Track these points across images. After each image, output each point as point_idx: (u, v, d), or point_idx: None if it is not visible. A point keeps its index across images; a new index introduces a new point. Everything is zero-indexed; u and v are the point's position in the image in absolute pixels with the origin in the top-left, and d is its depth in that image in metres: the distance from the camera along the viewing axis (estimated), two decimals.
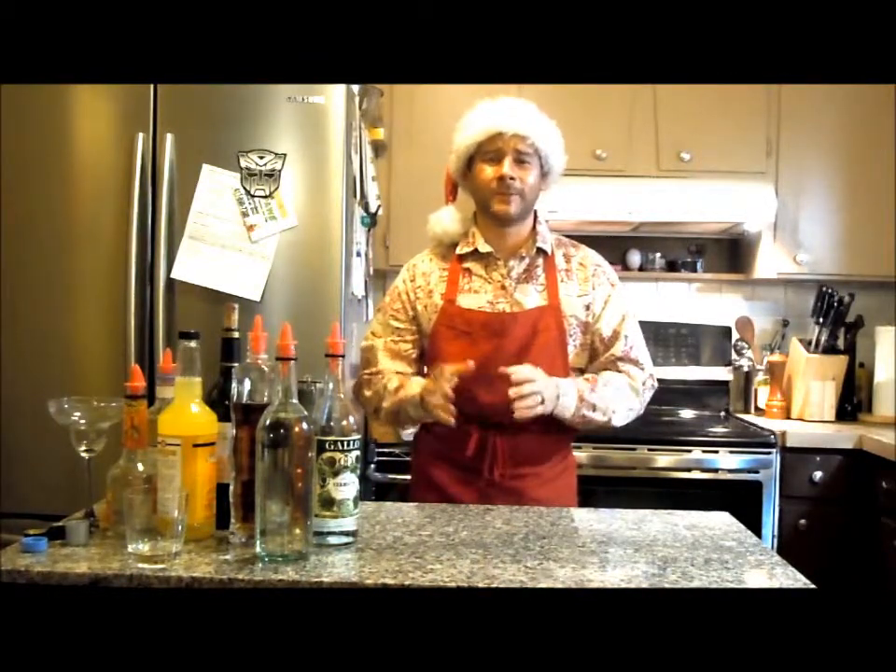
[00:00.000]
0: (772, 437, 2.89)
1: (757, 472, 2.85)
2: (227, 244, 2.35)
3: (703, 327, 3.48)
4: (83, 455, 1.48)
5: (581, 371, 1.98)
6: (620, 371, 1.95)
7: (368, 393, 1.98)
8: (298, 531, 1.33)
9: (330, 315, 2.31)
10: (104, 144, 2.37)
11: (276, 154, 2.35)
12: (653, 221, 3.31)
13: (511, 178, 1.86)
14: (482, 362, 1.88)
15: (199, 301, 2.34)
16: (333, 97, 2.36)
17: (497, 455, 1.87)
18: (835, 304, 3.24)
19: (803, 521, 2.87)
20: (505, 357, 1.88)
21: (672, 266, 3.57)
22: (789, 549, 2.74)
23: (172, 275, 2.34)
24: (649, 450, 2.85)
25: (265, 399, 1.39)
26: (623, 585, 1.27)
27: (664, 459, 2.85)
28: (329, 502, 1.39)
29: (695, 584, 1.27)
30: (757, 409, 3.46)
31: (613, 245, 3.48)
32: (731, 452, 2.86)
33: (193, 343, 1.43)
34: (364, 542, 1.43)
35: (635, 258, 3.53)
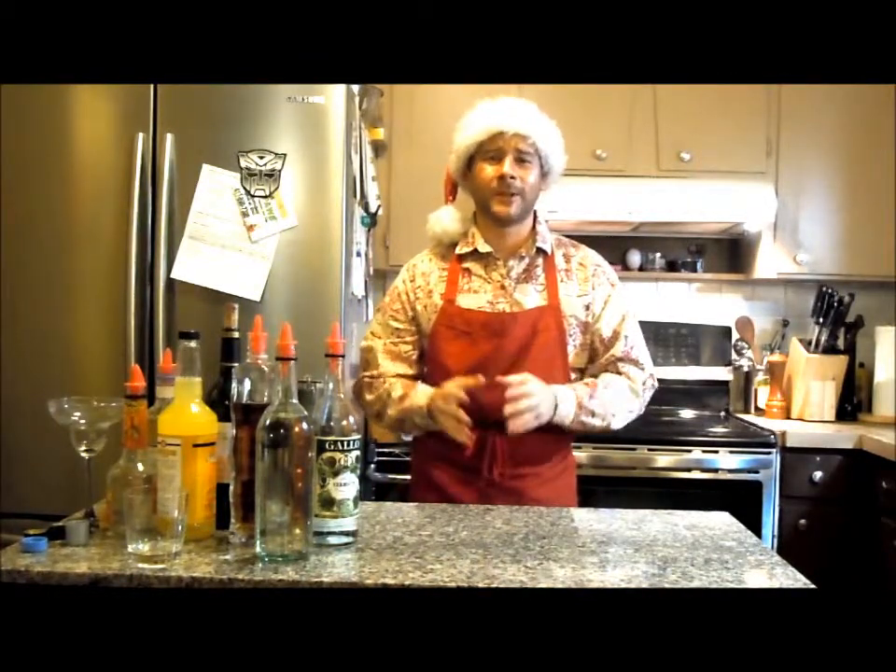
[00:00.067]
0: (772, 437, 2.89)
1: (757, 472, 2.85)
2: (227, 244, 2.35)
3: (703, 327, 3.48)
4: (83, 454, 1.48)
5: (581, 371, 1.98)
6: (620, 372, 1.95)
7: (370, 397, 1.98)
8: (298, 531, 1.33)
9: (330, 314, 2.32)
10: (104, 144, 2.37)
11: (276, 154, 2.35)
12: (653, 221, 3.31)
13: (512, 177, 1.86)
14: (481, 362, 1.88)
15: (199, 301, 2.34)
16: (333, 97, 2.36)
17: (497, 454, 1.87)
18: (835, 304, 3.24)
19: (803, 521, 2.87)
20: (505, 357, 1.88)
21: (672, 266, 3.57)
22: (789, 549, 2.74)
23: (172, 275, 2.34)
24: (649, 450, 2.85)
25: (265, 399, 1.39)
26: (623, 585, 1.27)
27: (664, 459, 2.85)
28: (328, 502, 1.39)
29: (695, 584, 1.27)
30: (757, 409, 3.46)
31: (613, 245, 3.48)
32: (731, 452, 2.86)
33: (193, 343, 1.43)
34: (364, 542, 1.43)
35: (635, 258, 3.53)
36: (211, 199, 2.35)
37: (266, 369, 1.42)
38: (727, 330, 3.49)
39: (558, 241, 2.02)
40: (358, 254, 2.60)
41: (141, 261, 2.35)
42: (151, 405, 1.49)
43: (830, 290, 3.26)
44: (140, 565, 1.27)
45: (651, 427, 2.90)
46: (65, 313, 2.39)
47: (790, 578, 1.33)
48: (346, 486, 1.40)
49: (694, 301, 3.64)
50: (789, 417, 3.29)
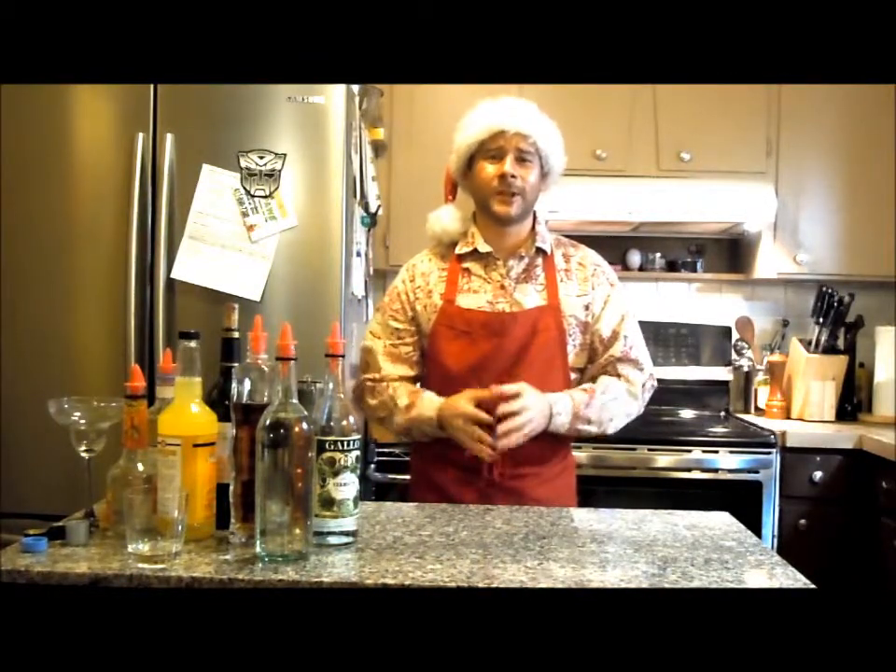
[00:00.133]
0: (772, 437, 2.89)
1: (757, 472, 2.85)
2: (227, 244, 2.35)
3: (703, 327, 3.48)
4: (83, 454, 1.48)
5: (581, 371, 1.98)
6: (619, 374, 1.95)
7: (373, 402, 1.97)
8: (298, 531, 1.33)
9: (330, 314, 2.31)
10: (104, 144, 2.37)
11: (276, 154, 2.35)
12: (653, 221, 3.31)
13: (513, 176, 1.86)
14: (481, 362, 1.89)
15: (199, 301, 2.34)
16: (333, 97, 2.36)
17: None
18: (835, 304, 3.24)
19: (803, 521, 2.87)
20: (504, 356, 1.88)
21: (672, 266, 3.57)
22: (789, 549, 2.74)
23: (172, 275, 2.34)
24: (649, 450, 2.85)
25: (265, 399, 1.39)
26: (623, 585, 1.27)
27: (664, 459, 2.85)
28: (328, 502, 1.39)
29: (695, 584, 1.27)
30: (757, 409, 3.46)
31: (613, 245, 3.48)
32: (731, 452, 2.86)
33: (193, 343, 1.43)
34: (364, 542, 1.43)
35: (635, 258, 3.53)
36: (211, 199, 2.35)
37: (266, 369, 1.42)
38: (727, 330, 3.49)
39: (557, 241, 2.02)
40: (358, 254, 2.60)
41: (141, 261, 2.35)
42: (151, 405, 1.49)
43: (830, 290, 3.26)
44: (140, 565, 1.27)
45: (651, 427, 2.90)
46: (65, 313, 2.39)
47: (790, 578, 1.33)
48: (346, 486, 1.40)
49: (694, 300, 3.64)
50: (789, 417, 3.29)
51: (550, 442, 1.91)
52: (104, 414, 1.49)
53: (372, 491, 2.75)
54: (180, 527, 1.29)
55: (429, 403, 1.88)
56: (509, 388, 1.80)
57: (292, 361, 1.35)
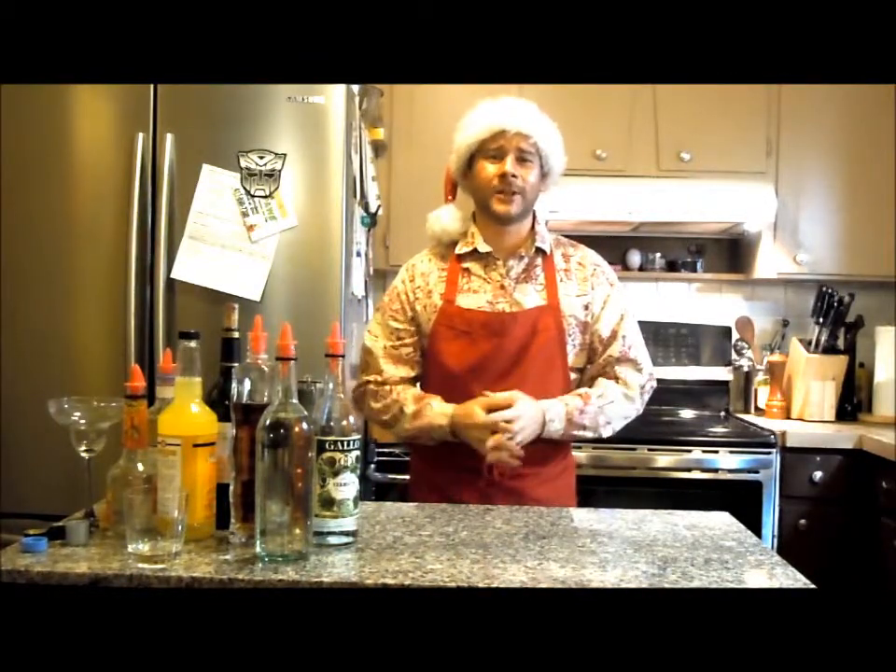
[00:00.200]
0: (772, 437, 2.89)
1: (757, 472, 2.85)
2: (227, 244, 2.35)
3: (703, 327, 3.48)
4: (83, 454, 1.48)
5: (581, 371, 1.98)
6: (617, 377, 1.94)
7: (376, 405, 1.97)
8: (298, 531, 1.33)
9: (330, 314, 2.31)
10: (104, 144, 2.37)
11: (276, 154, 2.35)
12: (653, 221, 3.31)
13: (514, 176, 1.87)
14: (481, 362, 1.89)
15: (199, 301, 2.34)
16: (333, 97, 2.36)
17: None
18: (835, 304, 3.24)
19: (803, 521, 2.87)
20: (504, 356, 1.88)
21: (672, 266, 3.57)
22: (789, 549, 2.74)
23: (172, 275, 2.34)
24: (649, 450, 2.85)
25: (265, 399, 1.39)
26: (623, 585, 1.27)
27: (664, 459, 2.85)
28: (328, 502, 1.39)
29: (695, 584, 1.27)
30: (757, 409, 3.46)
31: (613, 245, 3.48)
32: (731, 452, 2.86)
33: (193, 343, 1.43)
34: (364, 542, 1.43)
35: (635, 258, 3.53)
36: (211, 199, 2.35)
37: (266, 369, 1.42)
38: (727, 330, 3.49)
39: (557, 241, 2.02)
40: (358, 254, 2.60)
41: (141, 261, 2.35)
42: (151, 405, 1.49)
43: (830, 290, 3.26)
44: (140, 565, 1.27)
45: (651, 427, 2.90)
46: (65, 313, 2.39)
47: (790, 578, 1.33)
48: (346, 486, 1.40)
49: (694, 300, 3.64)
50: (789, 417, 3.29)
51: (549, 443, 1.91)
52: (104, 414, 1.49)
53: (372, 491, 2.75)
54: (180, 527, 1.29)
55: (440, 411, 1.88)
56: (501, 397, 1.81)
57: (292, 361, 1.35)
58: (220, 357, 1.52)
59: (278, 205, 2.35)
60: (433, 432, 1.89)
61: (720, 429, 3.04)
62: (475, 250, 1.96)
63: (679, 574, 1.31)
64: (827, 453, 2.89)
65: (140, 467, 1.42)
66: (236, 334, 1.53)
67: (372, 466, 2.78)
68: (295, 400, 1.35)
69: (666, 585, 1.27)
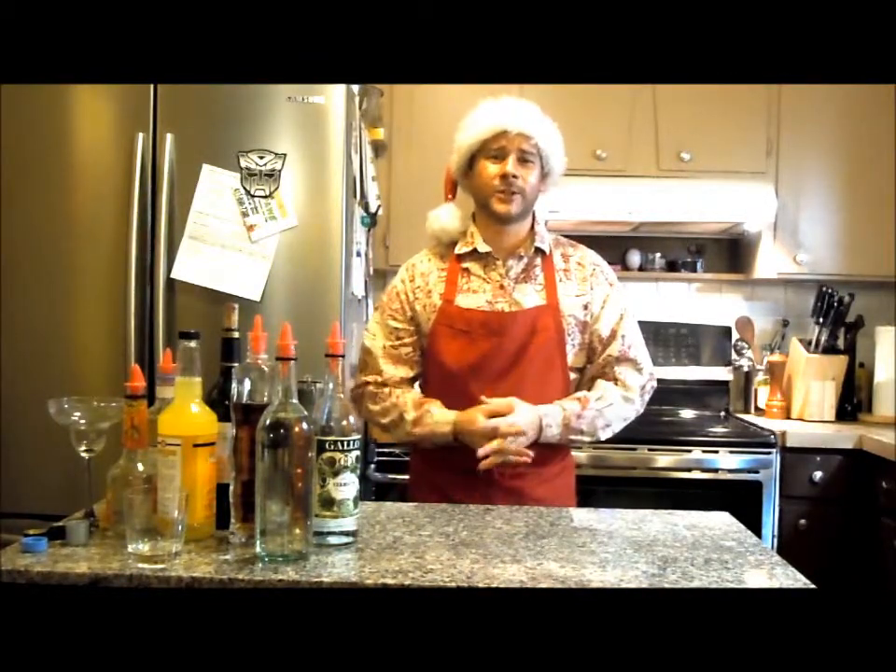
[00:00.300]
0: (772, 437, 2.89)
1: (757, 472, 2.85)
2: (227, 244, 2.35)
3: (703, 327, 3.48)
4: (83, 454, 1.48)
5: (580, 371, 1.98)
6: (616, 377, 1.94)
7: (374, 407, 1.97)
8: (298, 531, 1.33)
9: (330, 314, 2.31)
10: (104, 144, 2.37)
11: (276, 154, 2.35)
12: (653, 221, 3.31)
13: (514, 176, 1.87)
14: (480, 361, 1.89)
15: (199, 301, 2.34)
16: (333, 97, 2.36)
17: None
18: (835, 304, 3.24)
19: (803, 521, 2.87)
20: (503, 356, 1.88)
21: (672, 266, 3.57)
22: (789, 549, 2.74)
23: (172, 275, 2.34)
24: (649, 450, 2.85)
25: (265, 399, 1.39)
26: (623, 585, 1.27)
27: (664, 459, 2.85)
28: (328, 502, 1.39)
29: (695, 584, 1.27)
30: (757, 409, 3.46)
31: (613, 245, 3.48)
32: (731, 452, 2.86)
33: (193, 343, 1.43)
34: (364, 542, 1.43)
35: (635, 258, 3.53)
36: (211, 199, 2.35)
37: (266, 369, 1.42)
38: (727, 330, 3.49)
39: (556, 241, 2.02)
40: (358, 254, 2.60)
41: (141, 261, 2.35)
42: (151, 405, 1.49)
43: (830, 290, 3.26)
44: (140, 565, 1.27)
45: (651, 427, 2.90)
46: (65, 313, 2.39)
47: (790, 578, 1.33)
48: (346, 486, 1.40)
49: (694, 300, 3.64)
50: (789, 417, 3.29)
51: (549, 444, 1.91)
52: (104, 414, 1.49)
53: (372, 491, 2.75)
54: (180, 527, 1.29)
55: (441, 418, 1.88)
56: (500, 403, 1.81)
57: (292, 361, 1.35)
58: (220, 357, 1.52)
59: (278, 205, 2.35)
60: (435, 438, 1.89)
61: (720, 429, 3.04)
62: (475, 250, 1.96)
63: (679, 574, 1.31)
64: (827, 453, 2.89)
65: (140, 467, 1.42)
66: (236, 334, 1.53)
67: (372, 466, 2.78)
68: (295, 400, 1.35)
69: (666, 585, 1.27)
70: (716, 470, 2.85)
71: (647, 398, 1.99)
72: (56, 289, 2.38)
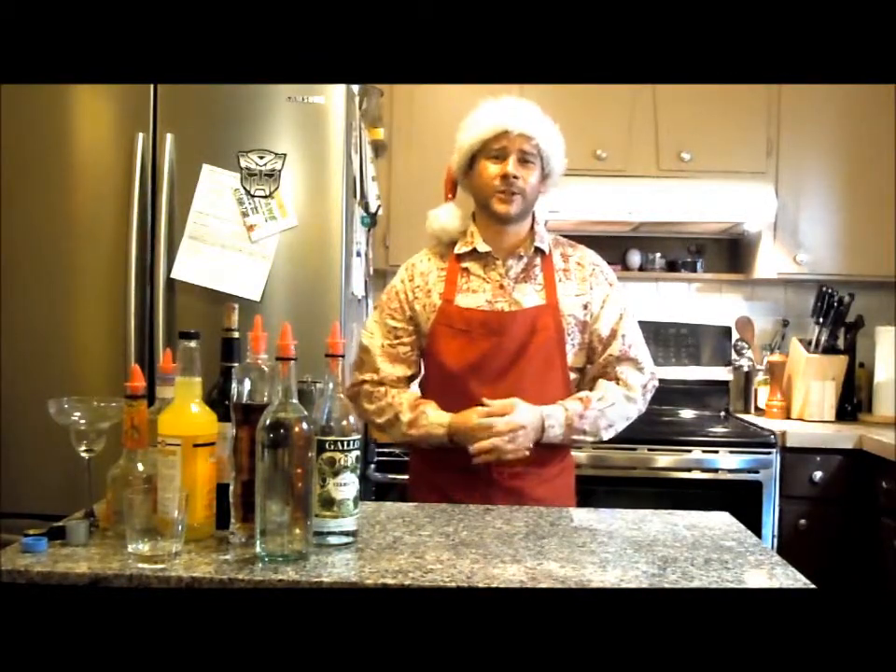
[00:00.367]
0: (772, 437, 2.89)
1: (757, 472, 2.85)
2: (227, 244, 2.35)
3: (703, 327, 3.48)
4: (83, 454, 1.48)
5: (580, 371, 1.98)
6: (618, 378, 1.94)
7: (370, 406, 1.97)
8: (298, 531, 1.33)
9: (330, 314, 2.32)
10: (104, 144, 2.38)
11: (276, 154, 2.35)
12: (653, 221, 3.31)
13: (515, 177, 1.87)
14: (480, 361, 1.89)
15: (199, 301, 2.34)
16: (333, 97, 2.36)
17: None
18: (835, 304, 3.24)
19: (803, 521, 2.87)
20: (503, 355, 1.88)
21: (672, 266, 3.57)
22: (789, 549, 2.74)
23: (172, 275, 2.35)
24: (649, 450, 2.85)
25: (265, 399, 1.39)
26: (623, 585, 1.27)
27: (664, 459, 2.85)
28: (328, 502, 1.39)
29: (695, 584, 1.27)
30: (757, 409, 3.46)
31: (613, 245, 3.48)
32: (731, 452, 2.86)
33: (193, 343, 1.43)
34: (364, 542, 1.43)
35: (635, 258, 3.53)
36: (211, 199, 2.35)
37: (266, 369, 1.42)
38: (727, 330, 3.49)
39: (556, 241, 2.02)
40: (358, 254, 2.60)
41: (141, 261, 2.35)
42: (151, 405, 1.49)
43: (830, 290, 3.26)
44: (140, 565, 1.27)
45: (651, 427, 2.90)
46: (65, 313, 2.39)
47: (790, 578, 1.33)
48: (346, 486, 1.40)
49: (694, 301, 3.64)
50: (789, 417, 3.29)
51: (549, 444, 1.91)
52: (104, 414, 1.49)
53: (372, 491, 2.75)
54: (180, 527, 1.29)
55: (436, 420, 1.88)
56: (499, 404, 1.81)
57: (292, 361, 1.35)
58: (220, 357, 1.52)
59: (278, 205, 2.35)
60: (431, 440, 1.90)
61: (720, 429, 3.04)
62: (474, 250, 1.96)
63: (679, 574, 1.31)
64: (827, 453, 2.89)
65: (140, 467, 1.42)
66: (236, 334, 1.53)
67: (372, 466, 2.79)
68: (295, 400, 1.35)
69: (666, 585, 1.27)
70: (716, 470, 2.85)
71: (649, 397, 1.99)
72: (56, 289, 2.38)
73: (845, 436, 2.92)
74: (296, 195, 2.36)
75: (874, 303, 3.41)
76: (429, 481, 1.96)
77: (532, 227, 1.99)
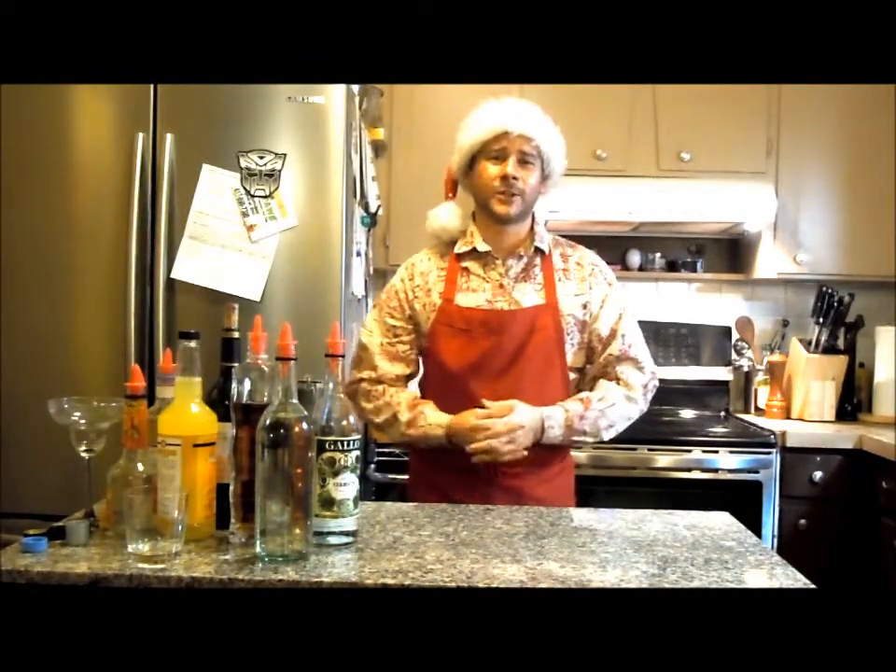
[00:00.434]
0: (772, 437, 2.89)
1: (757, 472, 2.85)
2: (227, 244, 2.35)
3: (703, 327, 3.48)
4: (83, 454, 1.48)
5: (580, 371, 1.98)
6: (618, 377, 1.94)
7: (367, 405, 1.97)
8: (298, 531, 1.33)
9: (330, 314, 2.32)
10: (104, 144, 2.38)
11: (276, 154, 2.35)
12: (653, 221, 3.31)
13: (514, 178, 1.87)
14: (480, 360, 1.89)
15: (199, 301, 2.34)
16: (333, 97, 2.36)
17: None
18: (835, 304, 3.24)
19: (803, 521, 2.87)
20: (503, 354, 1.89)
21: (672, 266, 3.57)
22: (789, 549, 2.74)
23: (172, 275, 2.35)
24: (649, 450, 2.85)
25: (265, 399, 1.39)
26: (623, 585, 1.27)
27: (664, 459, 2.85)
28: (328, 502, 1.39)
29: (695, 584, 1.27)
30: (757, 409, 3.46)
31: (613, 245, 3.48)
32: (731, 452, 2.86)
33: (193, 343, 1.43)
34: (364, 542, 1.43)
35: (635, 258, 3.53)
36: (211, 199, 2.35)
37: (266, 369, 1.42)
38: (727, 330, 3.49)
39: (555, 241, 2.02)
40: (358, 254, 2.60)
41: (141, 261, 2.35)
42: (151, 405, 1.49)
43: (830, 290, 3.26)
44: (140, 565, 1.27)
45: (651, 427, 2.90)
46: (65, 313, 2.39)
47: (790, 578, 1.33)
48: (346, 486, 1.40)
49: (694, 300, 3.64)
50: (789, 417, 3.29)
51: (548, 445, 1.91)
52: (104, 414, 1.49)
53: (372, 491, 2.75)
54: (180, 527, 1.29)
55: (435, 421, 1.88)
56: (498, 406, 1.81)
57: (292, 361, 1.35)
58: (220, 357, 1.52)
59: (278, 205, 2.35)
60: (429, 440, 1.90)
61: (720, 429, 3.04)
62: (474, 249, 1.96)
63: (679, 574, 1.31)
64: (827, 453, 2.89)
65: (140, 467, 1.42)
66: (236, 334, 1.53)
67: (372, 466, 2.79)
68: (295, 400, 1.35)
69: (666, 585, 1.27)
70: (716, 470, 2.85)
71: (650, 396, 1.99)
72: (56, 289, 2.38)
73: (845, 436, 2.92)
74: (296, 195, 2.36)
75: (874, 303, 3.41)
76: (429, 481, 1.96)
77: (532, 227, 1.99)
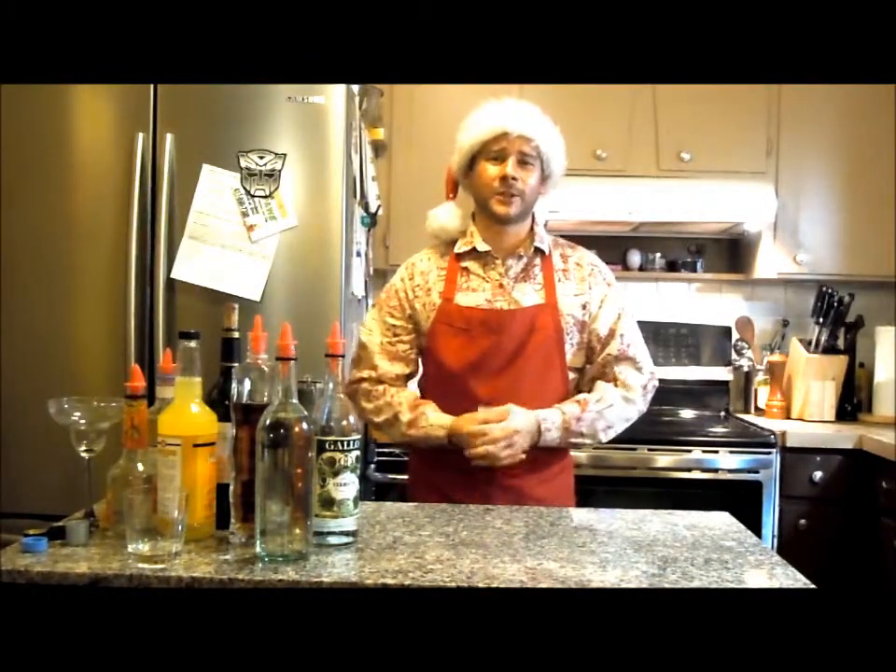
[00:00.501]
0: (772, 437, 2.89)
1: (757, 472, 2.85)
2: (227, 244, 2.35)
3: (703, 327, 3.48)
4: (83, 454, 1.48)
5: (579, 371, 1.98)
6: (616, 377, 1.94)
7: (368, 405, 1.97)
8: (298, 531, 1.33)
9: (330, 314, 2.32)
10: (104, 144, 2.38)
11: (276, 154, 2.35)
12: (653, 221, 3.31)
13: (514, 179, 1.87)
14: (479, 359, 1.89)
15: (199, 301, 2.34)
16: (333, 97, 2.36)
17: None
18: (835, 304, 3.24)
19: (803, 521, 2.87)
20: (502, 353, 1.89)
21: (672, 266, 3.57)
22: (789, 549, 2.74)
23: (172, 275, 2.35)
24: (649, 450, 2.85)
25: (265, 399, 1.39)
26: (623, 585, 1.27)
27: (664, 459, 2.85)
28: (328, 502, 1.39)
29: (695, 584, 1.27)
30: (757, 409, 3.46)
31: (613, 245, 3.48)
32: (731, 452, 2.86)
33: (193, 343, 1.43)
34: (364, 542, 1.43)
35: (635, 258, 3.53)
36: (211, 199, 2.35)
37: (266, 369, 1.42)
38: (727, 330, 3.49)
39: (555, 241, 2.02)
40: (358, 254, 2.60)
41: (141, 261, 2.35)
42: (151, 405, 1.49)
43: (830, 290, 3.26)
44: (140, 565, 1.27)
45: (651, 427, 2.90)
46: (65, 313, 2.39)
47: (790, 578, 1.33)
48: (346, 486, 1.40)
49: (694, 300, 3.64)
50: (789, 417, 3.29)
51: (547, 447, 1.91)
52: (104, 414, 1.49)
53: (372, 491, 2.75)
54: (180, 527, 1.29)
55: (436, 421, 1.88)
56: (496, 412, 1.81)
57: (292, 361, 1.35)
58: (220, 357, 1.52)
59: (278, 205, 2.35)
60: (430, 441, 1.90)
61: (720, 429, 3.04)
62: (474, 249, 1.96)
63: (679, 574, 1.31)
64: (827, 453, 2.89)
65: (140, 467, 1.42)
66: (236, 334, 1.53)
67: (372, 466, 2.78)
68: (295, 400, 1.35)
69: (666, 585, 1.27)
70: (716, 470, 2.85)
71: (649, 397, 1.99)
72: (56, 289, 2.38)
73: (845, 436, 2.92)
74: (296, 195, 2.36)
75: (874, 303, 3.41)
76: (429, 481, 1.96)
77: (532, 227, 1.99)
